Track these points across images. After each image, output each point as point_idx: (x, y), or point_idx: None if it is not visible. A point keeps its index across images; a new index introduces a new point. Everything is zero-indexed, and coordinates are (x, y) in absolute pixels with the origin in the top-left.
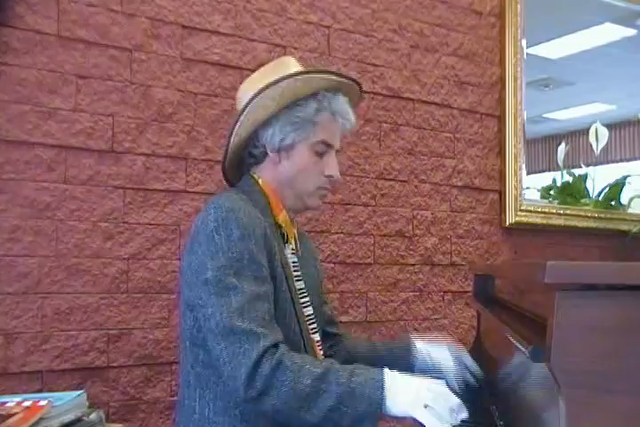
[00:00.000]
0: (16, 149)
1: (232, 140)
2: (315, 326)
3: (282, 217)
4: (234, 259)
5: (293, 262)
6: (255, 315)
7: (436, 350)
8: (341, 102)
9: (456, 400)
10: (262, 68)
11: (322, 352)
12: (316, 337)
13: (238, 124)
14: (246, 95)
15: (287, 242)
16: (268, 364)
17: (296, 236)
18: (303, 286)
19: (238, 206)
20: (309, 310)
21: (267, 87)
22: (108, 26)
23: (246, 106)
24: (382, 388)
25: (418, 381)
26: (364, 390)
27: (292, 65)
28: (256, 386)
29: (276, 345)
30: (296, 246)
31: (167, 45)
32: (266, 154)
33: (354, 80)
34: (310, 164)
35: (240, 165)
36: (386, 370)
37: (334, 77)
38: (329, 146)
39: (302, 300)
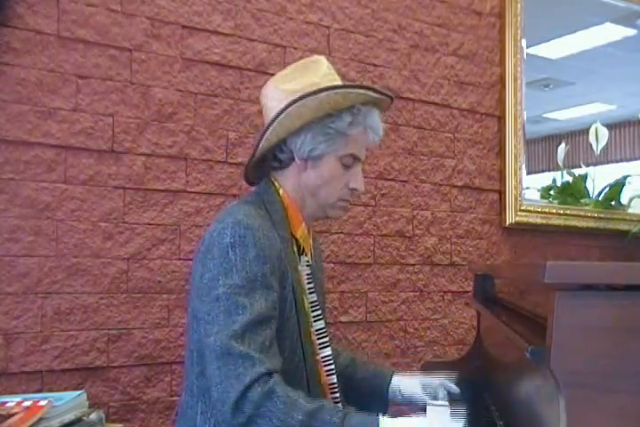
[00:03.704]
0: (16, 149)
1: (262, 144)
2: (326, 340)
3: (300, 231)
4: (247, 279)
5: (307, 275)
6: (256, 339)
7: (408, 383)
8: (375, 117)
9: None
10: (292, 67)
11: (329, 367)
12: (326, 351)
13: (271, 129)
14: (276, 95)
15: (303, 254)
16: (258, 390)
17: (311, 246)
18: (315, 298)
19: (257, 225)
20: (321, 324)
21: (305, 97)
22: (108, 26)
23: (281, 112)
24: None
25: (416, 423)
26: None
27: (324, 67)
28: (244, 411)
29: (270, 373)
30: (311, 257)
31: (167, 45)
32: (292, 160)
33: (388, 95)
34: (336, 175)
35: (261, 164)
36: (381, 418)
37: (373, 94)
38: (356, 159)
39: (314, 313)
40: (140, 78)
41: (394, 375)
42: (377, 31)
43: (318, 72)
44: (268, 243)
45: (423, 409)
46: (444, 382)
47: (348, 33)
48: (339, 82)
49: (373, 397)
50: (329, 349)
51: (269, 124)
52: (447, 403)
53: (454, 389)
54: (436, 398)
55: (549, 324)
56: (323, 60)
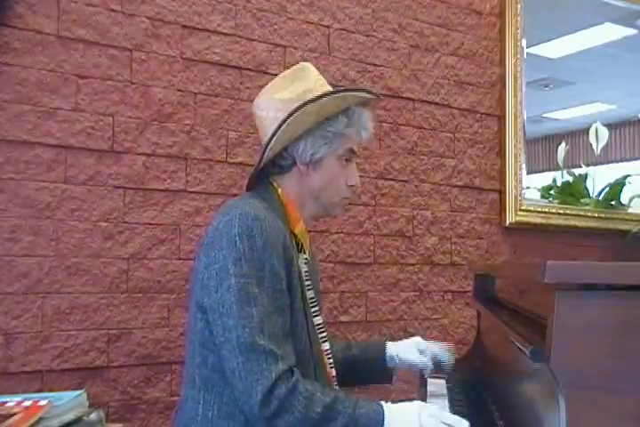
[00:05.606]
0: (16, 148)
1: (267, 154)
2: (324, 334)
3: (299, 228)
4: (255, 268)
5: (305, 272)
6: (272, 331)
7: (403, 348)
8: (367, 116)
9: (454, 418)
10: (281, 77)
11: (330, 360)
12: (326, 346)
13: (275, 138)
14: (272, 105)
15: (301, 251)
16: (284, 387)
17: (309, 246)
18: (313, 295)
19: (263, 216)
20: (319, 319)
21: (307, 104)
22: (108, 26)
23: (284, 121)
24: (382, 421)
25: (415, 409)
26: (366, 423)
27: (313, 73)
28: (271, 407)
29: (291, 370)
30: (309, 255)
31: (167, 45)
32: (293, 165)
33: (379, 96)
34: (337, 174)
35: (260, 170)
36: (383, 403)
37: (366, 95)
38: (353, 153)
39: (313, 309)
40: (140, 78)
41: (387, 342)
42: (377, 31)
43: (309, 78)
44: (274, 233)
45: (422, 376)
46: (436, 349)
47: (348, 33)
48: (328, 86)
49: (374, 367)
50: (327, 343)
51: (273, 135)
52: (444, 377)
53: (446, 359)
54: (436, 362)
55: (549, 324)
56: (309, 66)
